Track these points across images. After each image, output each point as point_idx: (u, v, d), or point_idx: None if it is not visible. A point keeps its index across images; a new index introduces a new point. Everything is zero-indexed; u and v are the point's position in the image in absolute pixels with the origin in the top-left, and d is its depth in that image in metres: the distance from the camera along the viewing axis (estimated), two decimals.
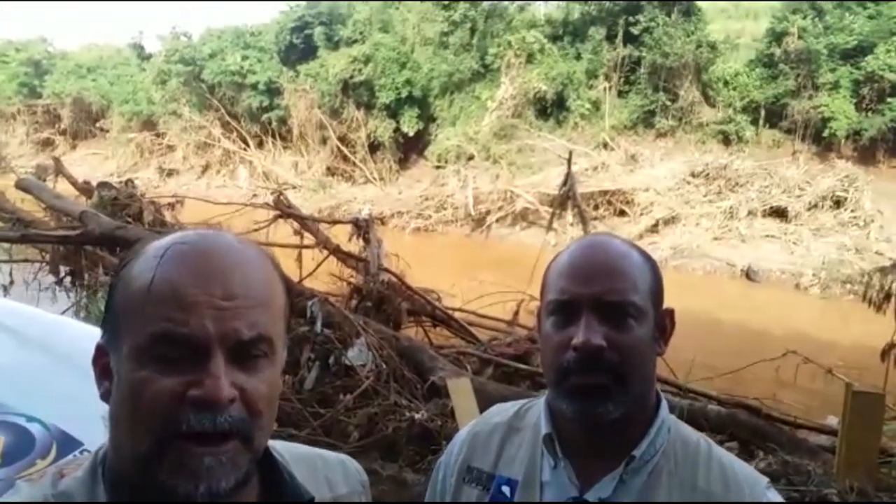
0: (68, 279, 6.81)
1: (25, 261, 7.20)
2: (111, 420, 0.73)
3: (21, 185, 6.88)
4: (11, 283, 6.97)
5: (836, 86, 16.38)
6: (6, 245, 7.05)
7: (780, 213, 14.44)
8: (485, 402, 3.65)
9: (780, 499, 0.99)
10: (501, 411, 1.14)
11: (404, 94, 20.18)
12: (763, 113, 17.21)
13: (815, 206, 14.30)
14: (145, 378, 0.68)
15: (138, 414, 0.68)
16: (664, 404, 1.03)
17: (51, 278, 6.87)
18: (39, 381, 2.28)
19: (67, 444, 1.79)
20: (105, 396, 0.74)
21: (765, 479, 0.99)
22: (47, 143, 28.53)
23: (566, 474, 0.99)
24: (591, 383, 0.94)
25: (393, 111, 20.59)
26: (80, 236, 5.18)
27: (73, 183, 8.30)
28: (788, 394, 5.39)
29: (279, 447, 0.85)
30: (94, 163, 25.49)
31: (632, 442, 0.98)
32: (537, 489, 1.01)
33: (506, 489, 1.03)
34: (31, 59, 30.15)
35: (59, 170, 8.82)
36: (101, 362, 0.74)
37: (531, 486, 1.01)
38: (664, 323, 1.03)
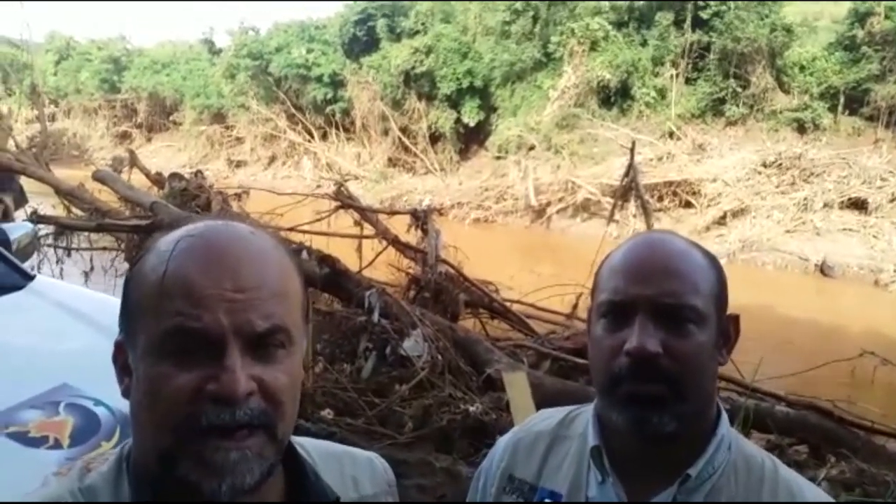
0: None
1: (104, 249, 7.57)
2: (132, 417, 0.74)
3: (97, 177, 7.22)
4: (91, 269, 7.35)
5: None
6: (87, 234, 7.43)
7: (859, 205, 13.65)
8: (541, 396, 3.60)
9: None
10: (546, 418, 1.09)
11: (465, 84, 20.11)
12: (842, 99, 16.29)
13: None
14: (162, 374, 0.68)
15: (157, 410, 0.68)
16: (725, 418, 0.95)
17: (126, 266, 7.20)
18: (108, 366, 2.38)
19: (130, 427, 1.87)
20: (126, 393, 0.74)
21: None
22: (125, 136, 29.87)
23: (614, 491, 0.93)
24: (644, 393, 0.88)
25: (454, 102, 20.57)
26: (151, 226, 5.39)
27: (147, 174, 8.65)
28: (864, 397, 5.09)
29: (307, 445, 0.85)
30: (167, 154, 26.53)
31: (687, 459, 0.91)
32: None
33: (549, 502, 0.98)
34: (111, 56, 31.59)
35: (134, 162, 9.22)
36: (121, 359, 0.74)
37: (576, 499, 0.96)
38: (728, 330, 0.95)
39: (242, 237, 0.74)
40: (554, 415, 1.09)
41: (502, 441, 1.11)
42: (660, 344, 0.88)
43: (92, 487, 0.73)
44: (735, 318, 0.97)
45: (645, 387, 0.88)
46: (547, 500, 0.99)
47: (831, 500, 0.93)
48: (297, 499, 0.78)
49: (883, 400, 5.30)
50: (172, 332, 0.67)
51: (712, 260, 0.97)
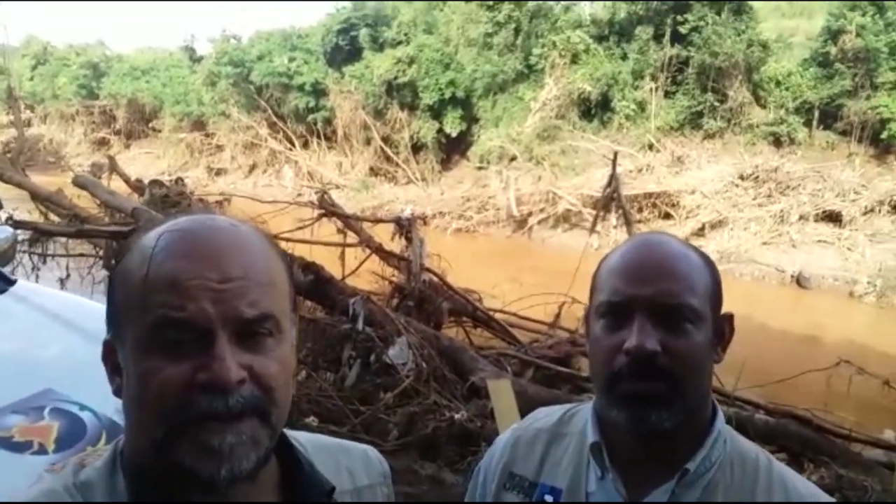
0: None
1: (81, 255, 7.47)
2: (125, 414, 0.73)
3: (77, 182, 7.14)
4: (68, 276, 7.24)
5: None
6: (63, 240, 7.32)
7: (833, 218, 13.92)
8: (525, 404, 3.61)
9: None
10: (545, 416, 1.10)
11: (448, 94, 20.20)
12: (817, 114, 16.64)
13: (872, 210, 13.74)
14: (152, 367, 0.68)
15: (149, 403, 0.68)
16: (720, 415, 0.98)
17: (104, 272, 7.10)
18: (92, 371, 2.34)
19: (116, 432, 1.85)
20: (118, 392, 0.74)
21: (830, 499, 0.94)
22: (103, 143, 29.49)
23: (614, 486, 0.95)
24: (643, 391, 0.89)
25: (436, 112, 20.64)
26: (132, 231, 5.33)
27: (127, 181, 8.58)
28: (841, 405, 5.18)
29: (301, 438, 0.85)
30: (146, 161, 26.24)
31: (685, 454, 0.93)
32: (582, 499, 0.97)
33: (549, 498, 0.99)
34: (90, 61, 31.21)
35: (114, 168, 9.13)
36: (111, 359, 0.74)
37: (576, 495, 0.97)
38: (722, 328, 0.97)
39: (224, 228, 0.74)
40: (553, 412, 1.11)
41: (502, 438, 1.12)
42: (658, 343, 0.89)
43: (87, 483, 0.73)
44: (729, 317, 1.00)
45: (644, 385, 0.90)
46: (547, 496, 1.00)
47: (823, 494, 0.95)
48: (291, 490, 0.79)
49: (858, 409, 5.40)
50: (159, 325, 0.67)
51: (707, 261, 0.99)
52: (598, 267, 1.01)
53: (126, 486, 0.72)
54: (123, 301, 0.71)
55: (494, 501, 1.05)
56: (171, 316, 0.67)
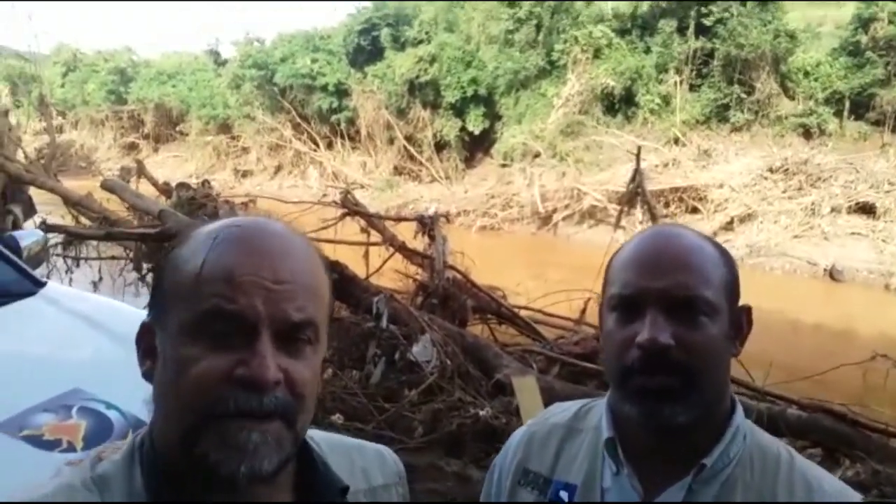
0: (150, 275, 7.16)
1: (112, 258, 7.63)
2: (156, 397, 0.74)
3: (106, 186, 7.28)
4: (100, 279, 7.39)
5: None
6: (94, 243, 7.48)
7: (867, 210, 13.58)
8: (551, 400, 3.58)
9: None
10: (559, 412, 1.09)
11: (470, 92, 20.17)
12: (847, 104, 16.26)
13: None
14: (193, 355, 0.69)
15: (185, 391, 0.69)
16: (739, 409, 0.95)
17: (135, 274, 7.24)
18: (119, 371, 2.39)
19: (142, 428, 1.88)
20: (147, 375, 0.75)
21: (857, 496, 0.90)
22: (132, 147, 30.06)
23: (629, 482, 0.93)
24: (656, 385, 0.88)
25: (459, 110, 20.63)
26: (159, 234, 5.42)
27: (154, 184, 8.73)
28: (878, 400, 5.05)
29: (317, 437, 0.86)
30: (174, 165, 26.68)
31: (702, 449, 0.90)
32: (597, 496, 0.95)
33: (564, 494, 0.98)
34: (118, 67, 31.89)
35: (142, 172, 9.29)
36: (146, 340, 0.75)
37: (591, 492, 0.96)
38: (740, 321, 0.95)
39: (281, 233, 0.76)
40: (568, 408, 1.09)
41: (517, 434, 1.11)
42: (671, 336, 0.88)
43: (104, 476, 0.73)
44: (748, 310, 0.97)
45: (657, 379, 0.88)
46: (562, 493, 0.98)
47: (850, 490, 0.91)
48: (306, 488, 0.79)
49: (895, 403, 5.26)
50: (208, 314, 0.69)
51: (723, 252, 0.97)
52: (611, 259, 1.00)
53: (143, 481, 0.73)
54: (173, 287, 0.73)
55: (509, 498, 1.04)
56: (223, 307, 0.68)
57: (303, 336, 0.72)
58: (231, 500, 0.72)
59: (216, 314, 0.69)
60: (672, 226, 1.03)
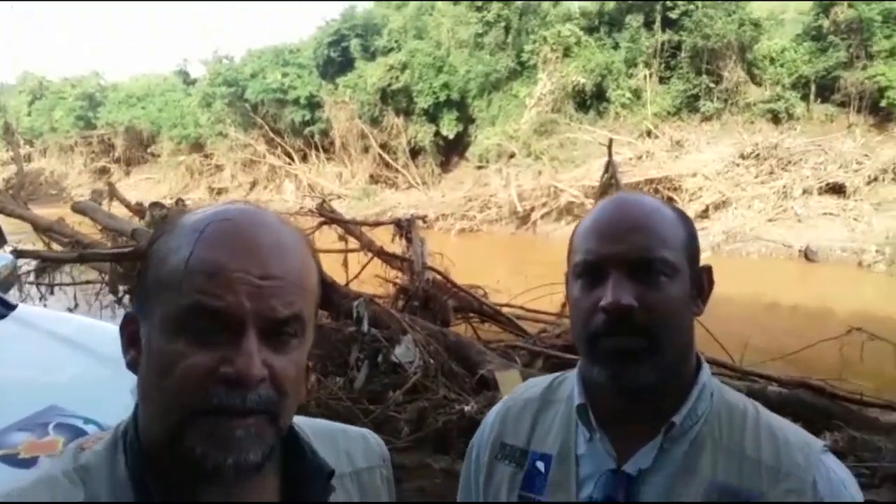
0: (126, 297, 7.07)
1: (87, 283, 7.52)
2: (140, 390, 0.73)
3: (77, 208, 7.18)
4: (76, 305, 7.28)
5: (892, 53, 15.63)
6: (68, 269, 7.37)
7: (837, 190, 13.85)
8: None
9: (838, 464, 0.90)
10: (533, 386, 1.10)
11: (442, 97, 20.24)
12: (813, 88, 16.58)
13: (875, 179, 13.65)
14: (177, 351, 0.68)
15: (169, 387, 0.68)
16: (705, 368, 0.97)
17: (111, 297, 7.15)
18: (97, 386, 2.37)
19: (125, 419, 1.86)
20: (131, 365, 0.74)
21: (820, 443, 0.91)
22: (103, 172, 29.72)
23: (602, 446, 0.94)
24: (622, 347, 0.89)
25: (432, 115, 20.68)
26: (134, 253, 5.36)
27: (127, 205, 8.64)
28: (855, 374, 5.14)
29: (301, 422, 0.85)
30: (146, 187, 26.41)
31: (671, 409, 0.92)
32: (573, 463, 0.96)
33: (540, 464, 0.99)
34: (86, 93, 31.55)
35: (114, 194, 9.19)
36: (130, 329, 0.74)
37: (566, 460, 0.97)
38: (701, 280, 0.96)
39: (272, 225, 0.74)
40: (540, 382, 1.10)
41: (493, 411, 1.12)
42: (634, 298, 0.89)
43: (86, 467, 0.72)
44: (708, 269, 0.99)
45: (622, 340, 0.89)
46: (538, 463, 0.99)
47: (813, 438, 0.93)
48: (293, 474, 0.79)
49: (873, 375, 5.35)
50: (193, 310, 0.67)
51: (681, 214, 0.98)
52: (574, 229, 1.02)
53: (127, 471, 0.72)
54: (158, 278, 0.71)
55: (487, 473, 1.05)
56: (207, 304, 0.67)
57: (290, 330, 0.71)
58: (219, 489, 0.71)
59: (201, 310, 0.67)
60: (630, 193, 1.05)
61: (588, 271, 0.94)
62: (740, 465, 0.89)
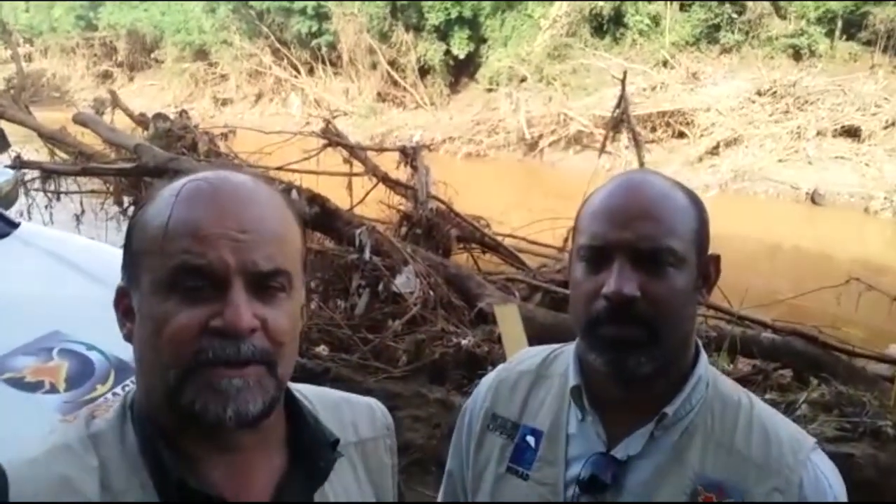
0: (132, 209, 7.07)
1: (92, 192, 7.50)
2: (136, 357, 0.76)
3: (78, 120, 7.07)
4: (83, 212, 7.29)
5: None
6: (73, 178, 7.32)
7: (852, 133, 13.52)
8: (533, 328, 3.67)
9: (826, 463, 0.92)
10: (528, 358, 1.11)
11: (454, 14, 19.51)
12: (840, 24, 15.92)
13: (893, 124, 13.29)
14: (167, 311, 0.70)
15: (163, 347, 0.70)
16: (703, 357, 0.97)
17: (116, 208, 7.15)
18: (100, 312, 2.39)
19: (124, 370, 1.90)
20: (128, 337, 0.76)
21: (811, 440, 0.93)
22: (106, 76, 29.02)
23: (594, 428, 0.96)
24: (622, 336, 0.89)
25: (443, 33, 20.01)
26: (136, 168, 5.33)
27: (130, 115, 8.48)
28: (850, 323, 5.20)
29: (307, 392, 0.88)
30: (151, 94, 25.88)
31: (665, 398, 0.93)
32: (563, 441, 0.98)
33: (530, 439, 1.01)
34: None
35: (116, 102, 9.02)
36: (123, 303, 0.76)
37: (556, 437, 0.99)
38: (707, 270, 0.96)
39: (245, 183, 0.76)
40: (536, 354, 1.11)
41: (486, 380, 1.14)
42: (637, 287, 0.88)
43: (98, 434, 0.75)
44: (716, 258, 0.98)
45: (622, 330, 0.90)
46: (528, 438, 1.01)
47: (806, 435, 0.95)
48: (297, 443, 0.81)
49: (866, 326, 5.43)
50: (178, 270, 0.70)
51: (693, 199, 0.96)
52: (581, 207, 1.00)
53: (136, 438, 0.75)
54: (142, 247, 0.73)
55: (478, 442, 1.07)
56: (191, 262, 0.69)
57: (275, 283, 0.73)
58: (227, 456, 0.74)
59: (186, 269, 0.70)
60: (643, 173, 1.03)
61: (592, 255, 0.93)
62: (728, 459, 0.91)
